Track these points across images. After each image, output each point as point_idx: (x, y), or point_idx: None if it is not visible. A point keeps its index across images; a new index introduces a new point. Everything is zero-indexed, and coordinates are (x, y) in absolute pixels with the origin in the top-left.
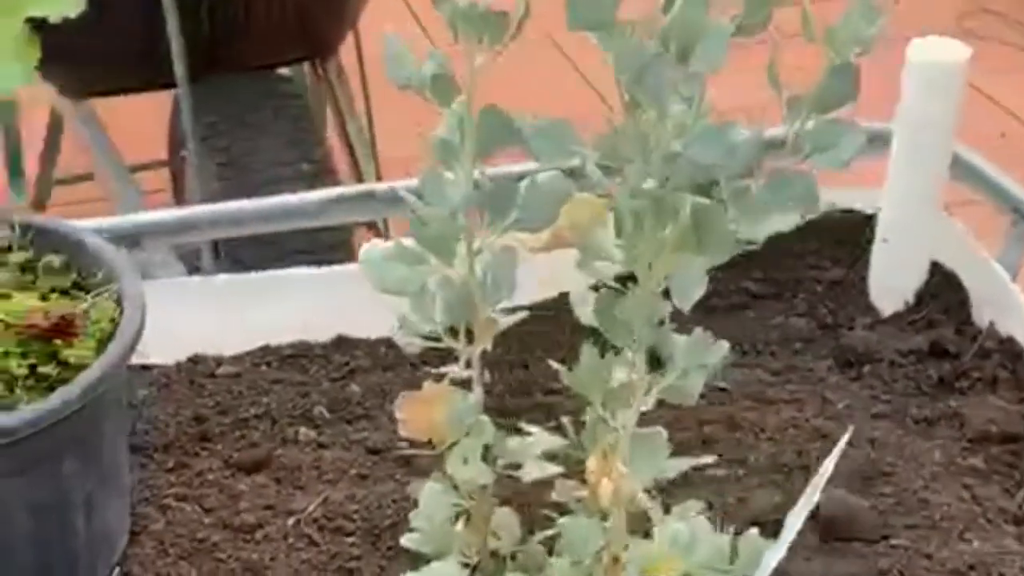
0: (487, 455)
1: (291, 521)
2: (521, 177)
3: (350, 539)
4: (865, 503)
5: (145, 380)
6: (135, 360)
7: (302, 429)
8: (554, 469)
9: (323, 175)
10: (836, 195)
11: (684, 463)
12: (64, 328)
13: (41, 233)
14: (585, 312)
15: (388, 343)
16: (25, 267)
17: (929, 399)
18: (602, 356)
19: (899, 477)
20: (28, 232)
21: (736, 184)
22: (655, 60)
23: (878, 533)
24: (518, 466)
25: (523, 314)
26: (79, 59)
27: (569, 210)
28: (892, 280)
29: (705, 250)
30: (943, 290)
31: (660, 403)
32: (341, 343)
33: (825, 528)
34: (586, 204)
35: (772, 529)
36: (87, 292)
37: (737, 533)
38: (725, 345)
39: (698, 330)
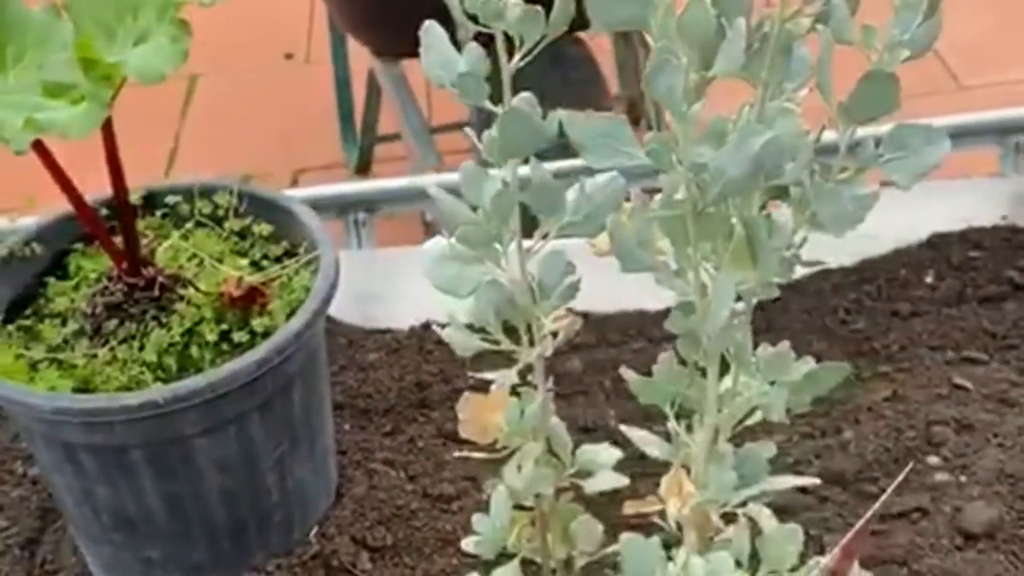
0: (557, 462)
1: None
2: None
3: None
4: None
5: (377, 344)
6: (368, 325)
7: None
8: (622, 481)
9: None
10: None
11: (782, 482)
12: (256, 297)
13: (256, 202)
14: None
15: (611, 319)
16: (243, 234)
17: None
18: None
19: None
20: (243, 200)
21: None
22: (663, 63)
23: None
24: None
25: (578, 320)
26: (388, 21)
27: (620, 214)
28: None
29: (758, 265)
30: None
31: (888, 398)
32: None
33: None
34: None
35: (980, 545)
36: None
37: (944, 546)
38: (810, 362)
39: (783, 344)
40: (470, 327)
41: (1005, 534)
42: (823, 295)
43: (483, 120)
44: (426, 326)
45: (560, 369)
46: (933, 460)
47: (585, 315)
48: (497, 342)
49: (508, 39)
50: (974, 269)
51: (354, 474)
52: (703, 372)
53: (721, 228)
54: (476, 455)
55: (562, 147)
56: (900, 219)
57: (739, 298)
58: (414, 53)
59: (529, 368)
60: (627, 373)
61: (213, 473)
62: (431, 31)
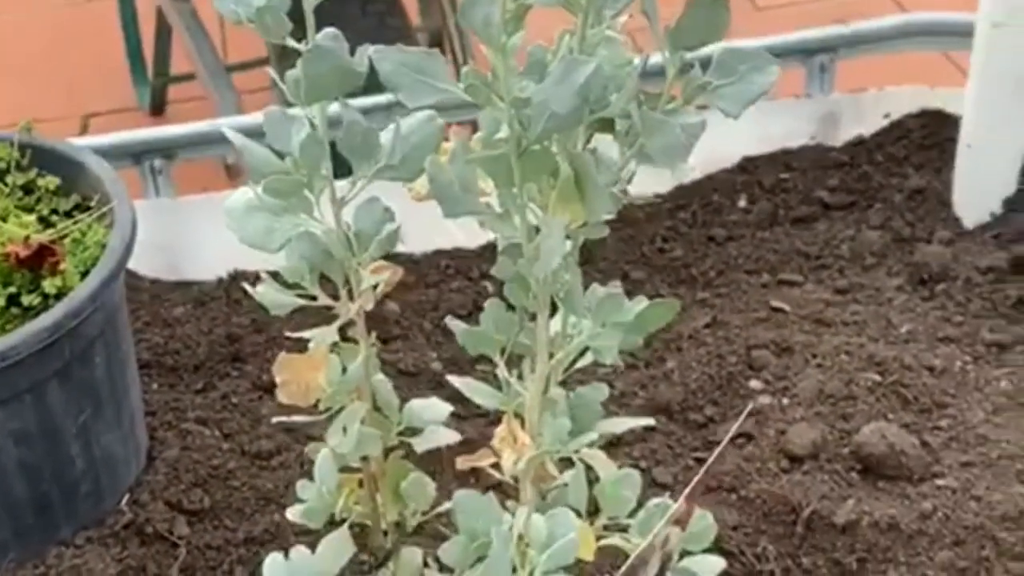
0: (384, 420)
1: (309, 447)
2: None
3: None
4: (913, 439)
5: (183, 297)
6: (172, 277)
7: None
8: (454, 436)
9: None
10: (922, 94)
11: (618, 423)
12: (46, 257)
13: (41, 153)
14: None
15: (431, 257)
16: (28, 188)
17: (1004, 321)
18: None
19: (958, 409)
20: (27, 152)
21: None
22: None
23: (925, 471)
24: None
25: (399, 270)
26: None
27: (440, 158)
28: (977, 188)
29: (587, 203)
30: None
31: (708, 325)
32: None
33: (865, 466)
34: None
35: (805, 467)
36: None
37: (771, 469)
38: (642, 301)
39: (613, 284)
40: (283, 282)
41: (828, 454)
42: (638, 224)
43: (284, 59)
44: (234, 276)
45: (376, 313)
46: (755, 384)
47: (399, 256)
48: (313, 297)
49: None
50: (785, 191)
51: (166, 436)
52: (532, 316)
53: (547, 166)
54: (297, 419)
55: (371, 85)
56: (711, 144)
57: (567, 238)
58: None
59: (350, 322)
60: (453, 323)
61: (10, 446)
62: None
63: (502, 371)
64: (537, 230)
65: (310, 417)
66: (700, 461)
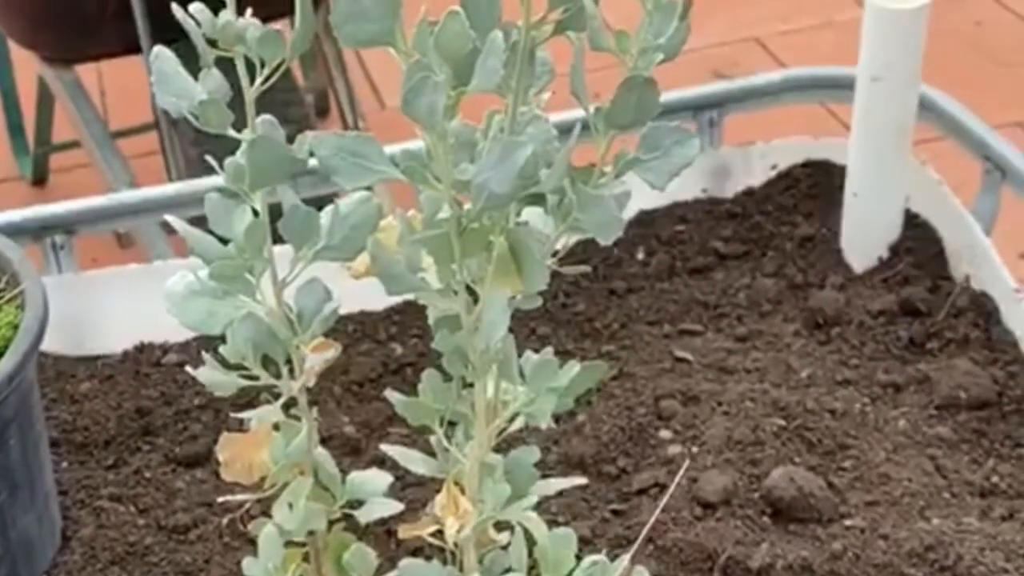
0: (328, 494)
1: (227, 519)
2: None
3: None
4: (820, 481)
5: (89, 372)
6: (77, 352)
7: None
8: (396, 507)
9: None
10: (807, 145)
11: (552, 485)
12: None
13: None
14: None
15: (347, 319)
16: None
17: (898, 362)
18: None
19: (860, 450)
20: None
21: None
22: (423, 82)
23: (834, 512)
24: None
25: (336, 347)
26: (58, 24)
27: (380, 235)
28: (865, 235)
29: (524, 280)
30: (918, 243)
31: (615, 377)
32: None
33: (776, 509)
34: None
35: (719, 514)
36: None
37: (685, 518)
38: (575, 366)
39: (547, 350)
40: (224, 363)
41: (740, 499)
42: None
43: (175, 128)
44: (140, 349)
45: None
46: (665, 434)
47: None
48: (256, 378)
49: (248, 62)
50: (681, 243)
51: (80, 514)
52: (466, 384)
53: (483, 242)
54: (242, 497)
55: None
56: None
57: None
58: (88, 57)
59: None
60: (392, 395)
61: None
62: (162, 57)
63: (440, 439)
64: (474, 303)
65: (254, 495)
66: (616, 513)
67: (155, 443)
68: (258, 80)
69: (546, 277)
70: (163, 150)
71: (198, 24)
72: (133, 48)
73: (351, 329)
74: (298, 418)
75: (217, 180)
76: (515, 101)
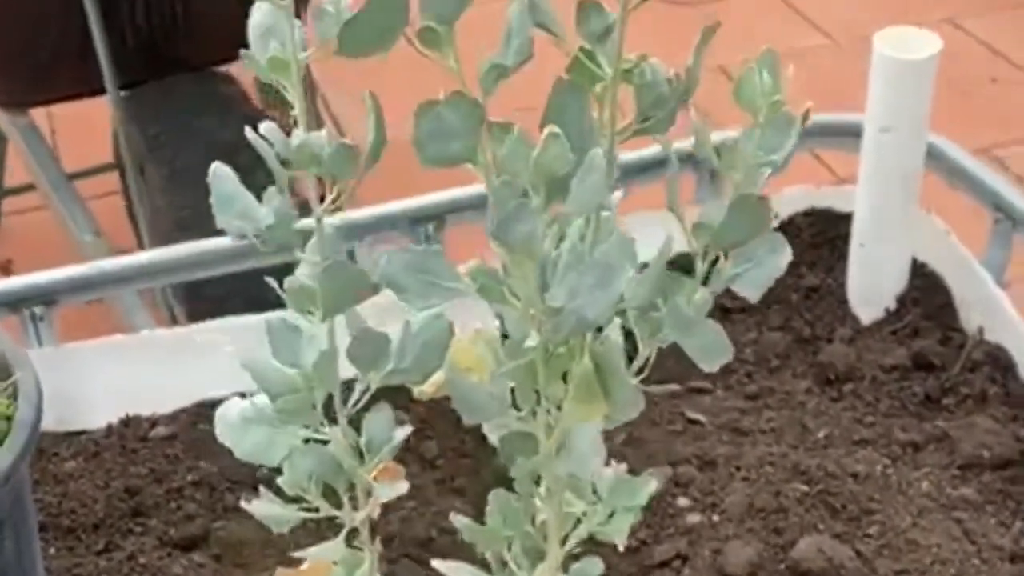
0: None
1: None
2: None
3: None
4: (848, 550)
5: (74, 450)
6: (60, 428)
7: (244, 496)
8: None
9: None
10: (811, 194)
11: None
12: None
13: None
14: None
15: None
16: None
17: (915, 420)
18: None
19: (885, 515)
20: None
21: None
22: (521, 208)
23: None
24: None
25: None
26: (12, 69)
27: (461, 351)
28: (872, 285)
29: (612, 405)
30: (926, 294)
31: (627, 441)
32: None
33: None
34: (470, 349)
35: None
36: None
37: None
38: (652, 481)
39: (621, 467)
40: (282, 495)
41: (766, 572)
42: None
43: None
44: (126, 422)
45: None
46: (683, 502)
47: None
48: (316, 509)
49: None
50: None
51: None
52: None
53: (567, 366)
54: None
55: None
56: None
57: None
58: (44, 101)
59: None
60: (458, 520)
61: None
62: (221, 176)
63: (512, 565)
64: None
65: None
66: None
67: (147, 525)
68: (328, 198)
69: (641, 401)
70: (127, 197)
71: (270, 144)
72: (90, 91)
73: None
74: (359, 548)
75: (199, 245)
76: (597, 209)
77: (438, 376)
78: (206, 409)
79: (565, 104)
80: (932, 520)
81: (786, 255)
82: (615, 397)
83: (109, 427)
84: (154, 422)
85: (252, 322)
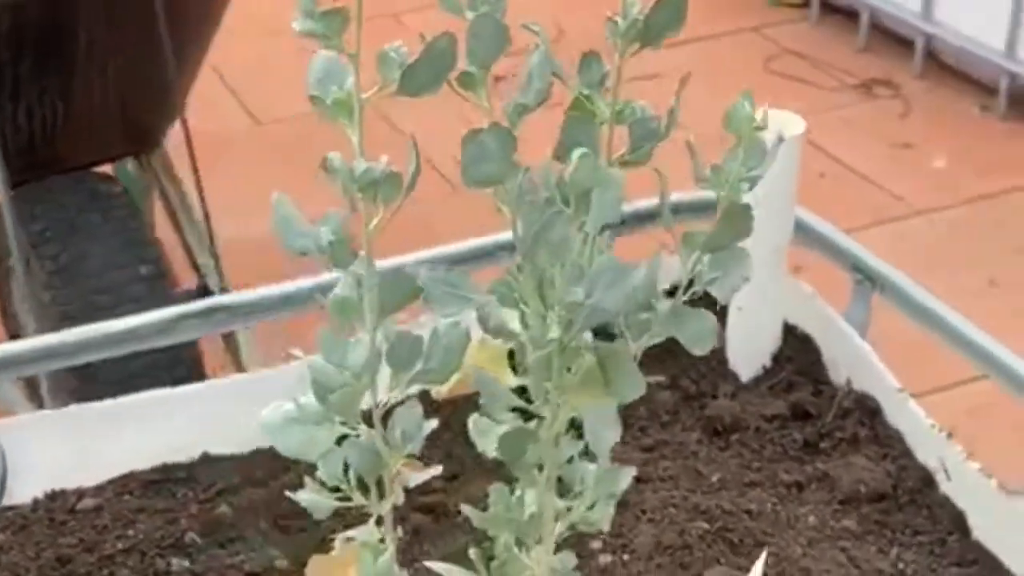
0: None
1: None
2: None
3: None
4: None
5: (2, 524)
6: None
7: (174, 560)
8: None
9: (160, 276)
10: None
11: None
12: None
13: None
14: (487, 444)
15: (256, 456)
16: None
17: (797, 463)
18: (509, 487)
19: (778, 546)
20: None
21: (637, 319)
22: (555, 218)
23: None
24: None
25: (437, 469)
26: None
27: (471, 356)
28: (749, 345)
29: (614, 390)
30: (798, 351)
31: None
32: (207, 461)
33: None
34: (486, 349)
35: None
36: None
37: None
38: (632, 470)
39: (606, 460)
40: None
41: None
42: (442, 410)
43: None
44: (52, 496)
45: (207, 518)
46: (595, 544)
47: (231, 457)
48: (349, 498)
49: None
50: None
51: None
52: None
53: (579, 358)
54: None
55: None
56: None
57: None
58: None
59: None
60: (468, 510)
61: None
62: (282, 202)
63: (511, 546)
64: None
65: None
66: None
67: None
68: (376, 218)
69: (643, 386)
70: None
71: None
72: None
73: (268, 464)
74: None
75: (75, 332)
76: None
77: (453, 378)
78: (131, 480)
79: (577, 134)
80: (820, 549)
81: (748, 266)
82: (623, 384)
83: (36, 501)
84: (81, 494)
85: (158, 396)
